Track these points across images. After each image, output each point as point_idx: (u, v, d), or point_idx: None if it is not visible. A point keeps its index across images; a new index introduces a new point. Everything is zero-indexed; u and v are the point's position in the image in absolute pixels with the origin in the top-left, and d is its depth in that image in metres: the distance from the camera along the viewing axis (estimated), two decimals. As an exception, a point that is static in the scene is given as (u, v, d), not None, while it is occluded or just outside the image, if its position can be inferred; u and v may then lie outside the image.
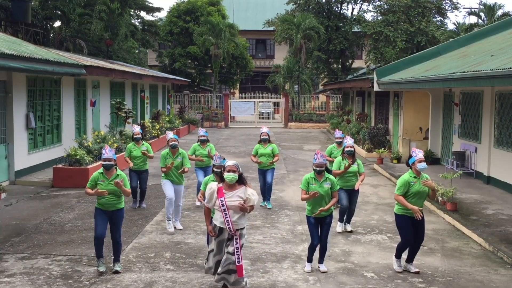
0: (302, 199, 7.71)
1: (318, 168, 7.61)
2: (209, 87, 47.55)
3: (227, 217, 6.29)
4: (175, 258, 8.26)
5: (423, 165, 7.43)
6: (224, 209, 6.29)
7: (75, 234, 9.52)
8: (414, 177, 7.50)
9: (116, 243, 7.65)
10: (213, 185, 6.53)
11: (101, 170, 7.61)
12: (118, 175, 7.55)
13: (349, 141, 9.78)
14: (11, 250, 8.55)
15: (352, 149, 9.68)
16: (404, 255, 7.89)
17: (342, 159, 9.73)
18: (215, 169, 7.51)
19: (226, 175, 6.42)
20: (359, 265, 8.05)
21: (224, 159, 7.46)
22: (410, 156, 7.61)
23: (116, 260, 7.71)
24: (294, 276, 7.56)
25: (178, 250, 8.69)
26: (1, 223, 10.21)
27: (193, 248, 8.77)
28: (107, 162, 7.49)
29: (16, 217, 10.67)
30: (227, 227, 6.31)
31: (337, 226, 9.88)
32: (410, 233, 7.53)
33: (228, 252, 6.39)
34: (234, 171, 6.44)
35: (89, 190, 7.58)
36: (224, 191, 6.44)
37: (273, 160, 11.55)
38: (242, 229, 6.45)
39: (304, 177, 7.74)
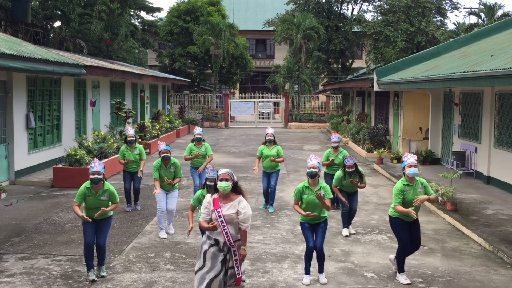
0: (294, 209, 7.47)
1: (311, 170, 7.33)
2: (209, 87, 47.56)
3: (225, 229, 5.88)
4: (175, 258, 8.26)
5: (413, 170, 7.21)
6: (221, 221, 5.88)
7: (75, 234, 9.52)
8: (407, 184, 7.29)
9: (100, 249, 7.41)
10: (208, 197, 6.14)
11: (88, 184, 7.32)
12: (105, 190, 7.34)
13: (349, 161, 9.43)
14: (11, 250, 8.55)
15: (353, 169, 9.39)
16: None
17: (344, 176, 9.51)
18: (208, 183, 7.18)
19: (219, 184, 5.97)
20: (359, 265, 8.05)
21: (217, 171, 7.11)
22: (403, 160, 7.44)
23: (100, 264, 7.50)
24: (294, 276, 7.56)
25: (178, 250, 8.69)
26: (1, 223, 10.21)
27: (193, 248, 8.77)
28: (95, 176, 7.19)
29: (16, 217, 10.67)
30: (226, 239, 5.90)
31: (343, 231, 9.77)
32: (407, 235, 7.37)
33: (230, 268, 6.00)
34: (227, 180, 5.95)
35: (77, 209, 7.26)
36: (220, 203, 6.00)
37: (278, 160, 11.40)
38: (239, 240, 6.05)
39: (297, 187, 7.49)
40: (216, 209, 5.92)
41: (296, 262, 8.11)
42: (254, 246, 8.90)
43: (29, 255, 8.33)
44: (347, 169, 9.42)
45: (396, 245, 8.82)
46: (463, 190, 13.00)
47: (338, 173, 9.62)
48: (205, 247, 6.04)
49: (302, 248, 8.68)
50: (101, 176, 7.23)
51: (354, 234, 9.80)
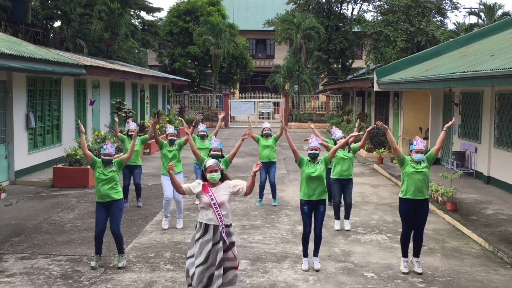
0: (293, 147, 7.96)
1: (313, 151, 7.72)
2: (209, 87, 47.56)
3: (218, 211, 6.20)
4: (175, 258, 8.26)
5: (419, 156, 7.51)
6: (214, 203, 6.21)
7: (75, 234, 9.52)
8: (411, 161, 7.61)
9: (116, 235, 7.75)
10: (199, 180, 6.48)
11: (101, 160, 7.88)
12: (112, 163, 7.82)
13: (338, 133, 9.85)
14: (11, 250, 8.55)
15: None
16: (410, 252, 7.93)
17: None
18: (212, 152, 7.64)
19: (209, 175, 6.33)
20: (359, 265, 8.05)
21: (220, 143, 7.63)
22: (411, 143, 7.71)
23: (120, 252, 7.82)
24: (294, 276, 7.56)
25: (178, 250, 8.69)
26: (1, 223, 10.21)
27: (193, 248, 8.76)
28: (107, 157, 7.73)
29: (16, 217, 10.67)
30: (219, 221, 6.20)
31: (334, 224, 9.94)
32: (410, 219, 7.59)
33: (224, 250, 6.30)
34: (216, 170, 6.36)
35: (88, 151, 7.86)
36: (209, 188, 6.36)
37: (279, 133, 11.60)
38: (229, 226, 6.35)
39: (302, 156, 7.92)
40: (207, 193, 6.28)
41: (296, 262, 8.11)
42: (254, 246, 8.90)
43: (29, 255, 8.33)
44: (337, 141, 9.68)
45: (396, 245, 8.87)
46: (463, 190, 13.00)
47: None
48: (197, 236, 6.32)
49: (302, 248, 8.68)
50: (111, 158, 7.77)
51: (348, 231, 9.84)
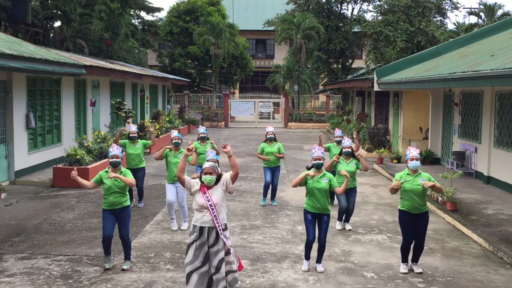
0: (293, 184, 7.89)
1: (317, 161, 7.72)
2: (209, 87, 47.55)
3: (214, 212, 6.15)
4: (175, 258, 8.26)
5: (414, 163, 7.53)
6: (210, 204, 6.15)
7: (75, 234, 9.52)
8: (408, 174, 7.58)
9: (125, 242, 7.76)
10: (198, 180, 6.38)
11: (106, 169, 7.77)
12: (121, 172, 7.73)
13: (346, 141, 9.91)
14: (11, 250, 8.55)
15: (349, 149, 9.80)
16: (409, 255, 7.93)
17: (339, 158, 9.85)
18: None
19: (204, 177, 6.27)
20: (359, 265, 8.05)
21: (216, 154, 7.42)
22: (406, 154, 7.76)
23: (127, 258, 7.82)
24: (294, 276, 7.56)
25: (178, 250, 8.69)
26: (1, 223, 10.22)
27: (193, 248, 8.75)
28: (114, 159, 7.68)
29: (16, 217, 10.67)
30: (215, 223, 6.14)
31: (336, 224, 10.07)
32: (409, 230, 7.60)
33: (221, 254, 6.23)
34: (211, 173, 6.28)
35: (88, 182, 7.75)
36: (205, 189, 6.32)
37: (279, 155, 11.78)
38: (224, 230, 6.26)
39: (303, 172, 7.89)
40: (204, 194, 6.23)
41: (296, 262, 8.11)
42: (254, 246, 8.90)
43: (29, 255, 8.33)
44: (344, 149, 9.78)
45: (396, 245, 8.88)
46: (463, 190, 13.00)
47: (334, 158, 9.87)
48: (190, 240, 6.27)
49: (302, 248, 8.67)
50: (119, 160, 7.68)
51: (350, 230, 9.92)
